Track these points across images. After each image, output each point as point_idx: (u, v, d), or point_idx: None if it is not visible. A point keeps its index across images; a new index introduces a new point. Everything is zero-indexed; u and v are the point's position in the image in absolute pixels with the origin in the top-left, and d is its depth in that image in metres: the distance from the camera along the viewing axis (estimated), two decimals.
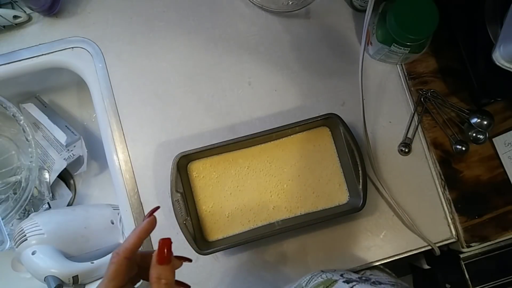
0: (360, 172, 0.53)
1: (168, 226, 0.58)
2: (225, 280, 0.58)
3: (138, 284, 0.40)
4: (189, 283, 0.54)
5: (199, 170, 0.56)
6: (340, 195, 0.56)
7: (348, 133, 0.53)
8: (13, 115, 0.63)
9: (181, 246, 0.54)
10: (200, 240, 0.53)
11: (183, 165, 0.55)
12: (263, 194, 0.56)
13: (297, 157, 0.57)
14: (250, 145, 0.57)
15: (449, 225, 0.59)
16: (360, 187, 0.53)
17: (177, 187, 0.52)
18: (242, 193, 0.56)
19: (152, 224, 0.38)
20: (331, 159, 0.57)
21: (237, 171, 0.56)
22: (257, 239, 0.53)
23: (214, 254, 0.59)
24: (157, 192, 0.60)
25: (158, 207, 0.40)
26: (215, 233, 0.55)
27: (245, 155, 0.57)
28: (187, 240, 0.51)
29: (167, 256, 0.34)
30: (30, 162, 0.64)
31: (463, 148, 0.60)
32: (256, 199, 0.56)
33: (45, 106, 0.76)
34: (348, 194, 0.56)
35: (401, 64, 0.63)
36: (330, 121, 0.56)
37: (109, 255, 0.59)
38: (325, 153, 0.57)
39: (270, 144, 0.57)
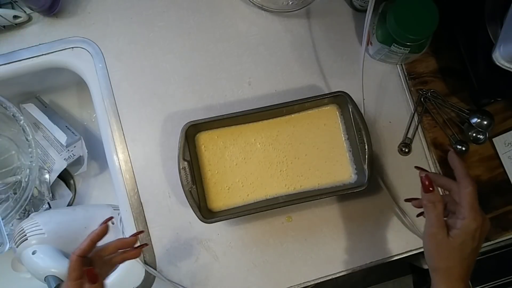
0: (367, 150, 0.53)
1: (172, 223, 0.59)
2: (225, 280, 0.58)
3: None
4: (189, 283, 0.54)
5: (206, 140, 0.56)
6: (345, 174, 0.56)
7: (357, 112, 0.53)
8: (13, 115, 0.63)
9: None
10: (204, 209, 0.54)
11: (191, 134, 0.55)
12: (269, 168, 0.56)
13: (306, 134, 0.57)
14: (258, 119, 0.57)
15: None
16: (366, 165, 0.53)
17: (185, 155, 0.53)
18: (248, 166, 0.56)
19: (104, 231, 0.46)
20: (338, 138, 0.57)
21: (244, 144, 0.57)
22: (261, 211, 0.53)
23: (214, 253, 0.59)
24: (157, 192, 0.60)
25: (111, 217, 0.48)
26: (219, 203, 0.55)
27: (254, 128, 0.57)
28: (191, 208, 0.52)
29: None
30: (30, 162, 0.64)
31: (463, 148, 0.60)
32: (261, 173, 0.56)
33: (45, 106, 0.77)
34: (354, 173, 0.56)
35: (401, 64, 0.63)
36: (339, 99, 0.56)
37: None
38: (333, 131, 0.57)
39: (279, 120, 0.57)
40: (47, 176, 0.73)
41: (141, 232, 0.51)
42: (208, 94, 0.62)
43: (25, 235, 0.55)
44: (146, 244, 0.51)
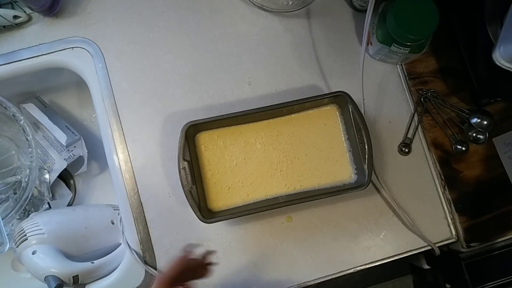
0: (367, 150, 0.53)
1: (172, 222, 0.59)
2: (225, 280, 0.58)
3: None
4: (189, 284, 0.54)
5: (206, 141, 0.56)
6: (345, 174, 0.56)
7: (357, 112, 0.53)
8: (13, 115, 0.63)
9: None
10: (204, 209, 0.54)
11: (191, 134, 0.55)
12: (269, 168, 0.56)
13: (306, 134, 0.57)
14: (258, 119, 0.57)
15: (449, 225, 0.59)
16: (366, 165, 0.53)
17: (185, 155, 0.53)
18: (248, 166, 0.56)
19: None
20: (338, 138, 0.57)
21: (244, 144, 0.57)
22: (261, 211, 0.53)
23: (214, 252, 0.59)
24: (157, 192, 0.60)
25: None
26: (219, 203, 0.55)
27: (254, 128, 0.57)
28: (191, 208, 0.52)
29: None
30: (30, 162, 0.64)
31: (463, 148, 0.60)
32: (261, 173, 0.56)
33: (45, 106, 0.76)
34: (354, 173, 0.56)
35: (401, 64, 0.63)
36: (339, 99, 0.56)
37: (110, 255, 0.60)
38: (333, 131, 0.57)
39: (279, 120, 0.57)
40: (47, 176, 0.73)
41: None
42: (208, 94, 0.62)
43: (25, 235, 0.55)
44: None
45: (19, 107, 0.73)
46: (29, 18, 0.64)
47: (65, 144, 0.72)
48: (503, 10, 0.50)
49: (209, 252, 0.53)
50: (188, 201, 0.52)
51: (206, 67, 0.63)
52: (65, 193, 0.77)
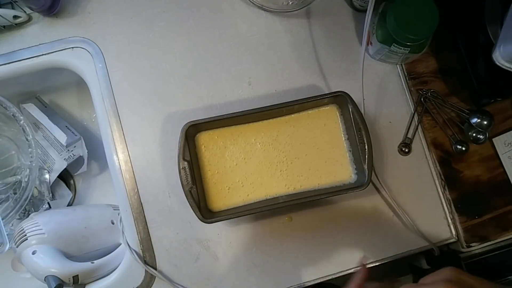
0: (367, 150, 0.53)
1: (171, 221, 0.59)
2: (225, 280, 0.58)
3: None
4: (189, 283, 0.54)
5: (206, 140, 0.56)
6: (345, 174, 0.56)
7: (357, 112, 0.53)
8: (13, 115, 0.63)
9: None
10: (204, 209, 0.54)
11: (191, 134, 0.55)
12: (269, 168, 0.56)
13: (305, 134, 0.57)
14: (258, 119, 0.57)
15: (449, 225, 0.59)
16: (366, 165, 0.53)
17: (185, 155, 0.53)
18: (248, 166, 0.56)
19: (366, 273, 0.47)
20: (338, 138, 0.57)
21: (244, 144, 0.56)
22: (261, 211, 0.53)
23: (214, 253, 0.59)
24: (157, 192, 0.60)
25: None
26: (219, 203, 0.55)
27: (254, 128, 0.57)
28: (191, 208, 0.51)
29: None
30: (30, 162, 0.64)
31: (463, 148, 0.60)
32: (261, 173, 0.56)
33: (45, 106, 0.76)
34: (354, 173, 0.56)
35: (401, 64, 0.63)
36: (339, 99, 0.56)
37: (110, 255, 0.60)
38: (333, 131, 0.57)
39: (279, 120, 0.57)
40: (47, 176, 0.72)
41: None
42: (208, 94, 0.62)
43: (25, 235, 0.55)
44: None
45: (19, 107, 0.73)
46: (29, 18, 0.64)
47: (65, 144, 0.72)
48: (503, 10, 0.50)
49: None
50: (188, 201, 0.52)
51: (206, 67, 0.63)
52: (65, 193, 0.77)
